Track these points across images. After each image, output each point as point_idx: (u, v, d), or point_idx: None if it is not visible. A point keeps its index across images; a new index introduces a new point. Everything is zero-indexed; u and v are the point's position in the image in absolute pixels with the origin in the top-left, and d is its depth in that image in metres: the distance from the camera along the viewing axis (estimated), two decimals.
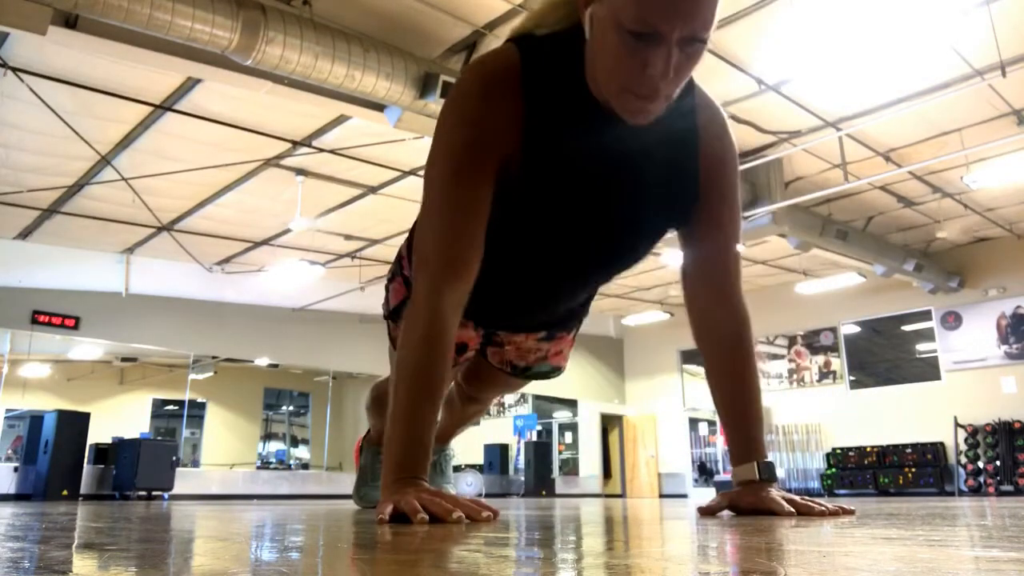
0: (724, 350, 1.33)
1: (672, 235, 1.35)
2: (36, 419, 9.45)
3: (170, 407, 14.28)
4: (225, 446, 14.36)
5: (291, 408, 16.42)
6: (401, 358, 1.14)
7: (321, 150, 6.68)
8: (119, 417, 12.87)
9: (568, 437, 15.06)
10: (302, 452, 15.93)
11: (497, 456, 12.16)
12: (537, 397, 14.10)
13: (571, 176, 1.20)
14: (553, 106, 1.16)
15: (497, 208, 1.19)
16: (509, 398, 14.23)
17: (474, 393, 1.92)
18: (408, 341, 1.15)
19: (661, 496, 13.07)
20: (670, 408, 13.40)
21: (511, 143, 1.16)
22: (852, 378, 11.25)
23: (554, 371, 1.77)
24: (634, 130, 1.13)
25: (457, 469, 12.05)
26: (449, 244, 1.17)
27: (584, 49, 1.13)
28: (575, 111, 1.16)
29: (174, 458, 9.81)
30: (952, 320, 10.26)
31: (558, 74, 1.16)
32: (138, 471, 9.17)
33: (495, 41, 5.23)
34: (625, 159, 1.20)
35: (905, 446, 10.23)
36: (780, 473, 11.49)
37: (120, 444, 9.79)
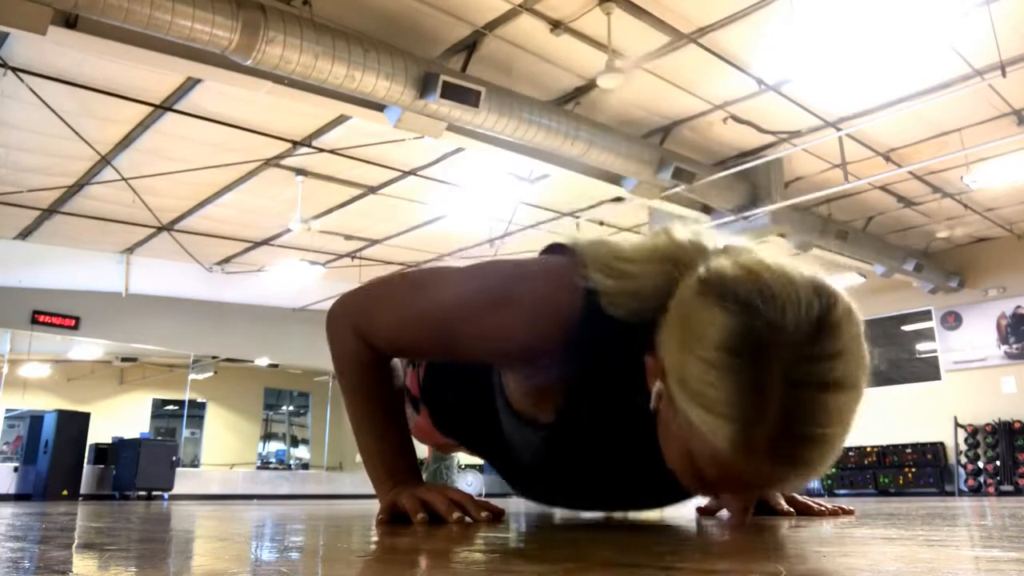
0: None
1: None
2: (36, 419, 9.45)
3: (170, 407, 14.29)
4: (225, 446, 14.36)
5: (291, 408, 16.42)
6: (344, 388, 1.14)
7: (321, 150, 6.67)
8: (119, 417, 12.87)
9: None
10: (302, 452, 15.92)
11: None
12: None
13: (592, 459, 1.09)
14: (594, 397, 1.01)
15: (525, 441, 1.11)
16: None
17: None
18: (344, 375, 1.14)
19: None
20: None
21: (528, 376, 1.06)
22: None
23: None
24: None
25: (457, 469, 12.04)
26: (397, 347, 1.13)
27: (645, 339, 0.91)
28: (614, 409, 1.00)
29: (174, 458, 9.81)
30: (952, 320, 10.26)
31: (608, 372, 0.98)
32: (138, 471, 9.17)
33: (495, 41, 5.23)
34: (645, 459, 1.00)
35: (905, 446, 10.22)
36: None
37: (120, 444, 9.79)
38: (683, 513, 1.43)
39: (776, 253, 0.87)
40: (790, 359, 0.74)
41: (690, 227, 1.00)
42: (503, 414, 1.13)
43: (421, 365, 1.40)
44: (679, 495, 1.16)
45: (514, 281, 1.04)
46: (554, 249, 1.10)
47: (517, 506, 2.12)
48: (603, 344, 0.97)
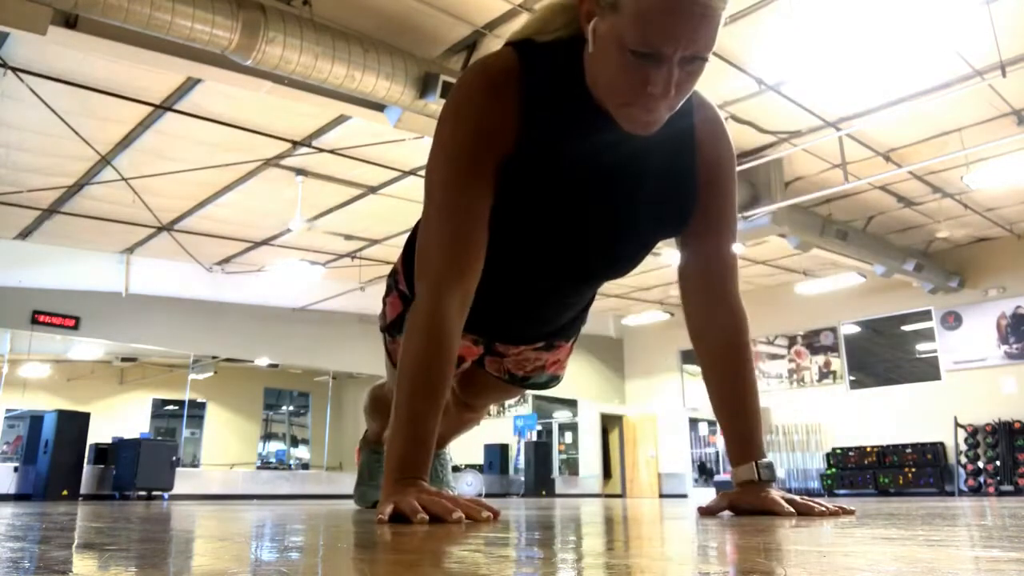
0: (720, 350, 1.33)
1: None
2: (36, 419, 9.44)
3: (170, 407, 14.29)
4: (225, 446, 14.36)
5: (291, 408, 16.42)
6: (405, 361, 1.14)
7: (321, 150, 6.68)
8: (119, 417, 12.87)
9: (568, 437, 15.06)
10: (302, 452, 15.93)
11: (497, 456, 12.16)
12: (537, 397, 14.11)
13: (568, 179, 1.20)
14: (551, 110, 1.16)
15: (495, 212, 1.18)
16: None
17: (470, 400, 1.91)
18: (411, 343, 1.15)
19: (661, 496, 13.07)
20: (670, 408, 13.41)
21: (508, 144, 1.16)
22: (852, 378, 11.25)
23: (552, 380, 1.77)
24: (632, 136, 1.13)
25: (457, 469, 12.05)
26: (451, 246, 1.17)
27: (584, 56, 1.12)
28: (573, 116, 1.16)
29: (174, 458, 9.81)
30: (952, 320, 10.27)
31: (557, 79, 1.16)
32: (138, 471, 9.17)
33: (495, 41, 5.23)
34: (623, 165, 1.20)
35: (905, 446, 10.23)
36: (780, 473, 11.49)
37: (120, 444, 9.79)
38: (683, 513, 1.43)
39: None
40: None
41: None
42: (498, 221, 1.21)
43: (400, 274, 1.52)
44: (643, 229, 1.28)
45: (456, 92, 1.20)
46: None
47: (516, 507, 2.12)
48: (544, 56, 1.16)
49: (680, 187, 1.25)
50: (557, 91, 1.16)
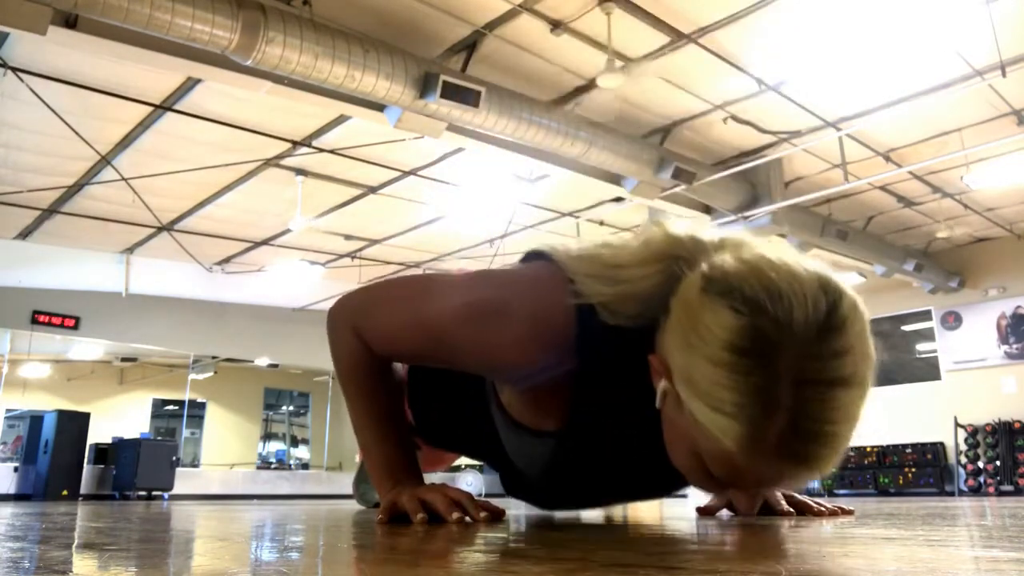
0: None
1: None
2: (36, 419, 9.45)
3: (170, 407, 14.28)
4: (225, 446, 14.36)
5: (291, 408, 16.42)
6: (344, 388, 1.15)
7: (321, 150, 6.67)
8: (119, 417, 12.87)
9: None
10: (302, 452, 15.93)
11: None
12: None
13: (597, 468, 1.11)
14: (598, 410, 1.03)
15: (528, 450, 1.12)
16: None
17: None
18: (344, 375, 1.15)
19: None
20: None
21: (554, 417, 1.06)
22: None
23: None
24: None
25: (457, 469, 12.05)
26: (394, 351, 1.14)
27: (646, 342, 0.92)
28: (619, 418, 1.02)
29: (174, 458, 9.81)
30: (952, 320, 10.26)
31: (610, 381, 1.00)
32: (138, 471, 9.17)
33: (495, 41, 5.23)
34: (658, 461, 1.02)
35: (905, 446, 10.22)
36: None
37: (120, 444, 9.79)
38: (683, 513, 1.43)
39: (776, 247, 0.86)
40: (798, 357, 0.74)
41: (683, 221, 1.00)
42: (501, 425, 1.13)
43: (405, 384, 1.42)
44: (680, 483, 1.16)
45: (507, 297, 1.03)
46: (532, 256, 1.09)
47: (517, 506, 2.12)
48: (605, 352, 0.96)
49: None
50: (610, 388, 1.01)
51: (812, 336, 0.75)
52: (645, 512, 1.91)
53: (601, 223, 8.52)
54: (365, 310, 1.15)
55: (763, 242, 0.90)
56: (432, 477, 1.30)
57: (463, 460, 12.38)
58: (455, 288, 1.09)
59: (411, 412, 1.40)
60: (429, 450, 1.47)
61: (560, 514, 1.45)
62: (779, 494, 1.24)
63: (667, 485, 1.14)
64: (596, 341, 0.96)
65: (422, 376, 1.35)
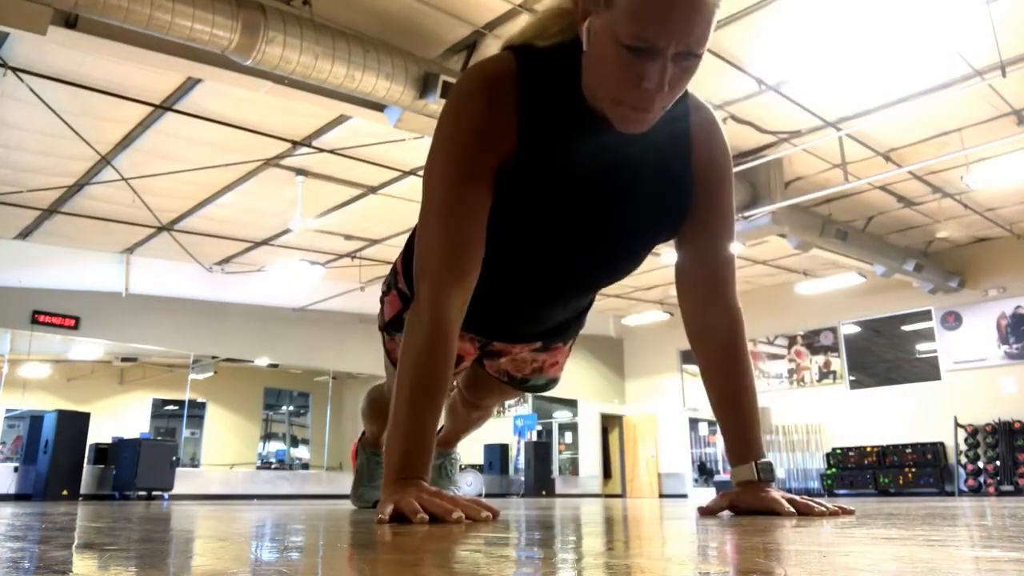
0: (718, 350, 1.33)
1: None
2: (36, 419, 9.44)
3: (170, 407, 14.29)
4: (225, 446, 14.36)
5: (291, 408, 16.42)
6: (405, 360, 1.15)
7: (321, 150, 6.68)
8: (119, 417, 12.88)
9: (568, 437, 15.06)
10: (302, 452, 15.93)
11: (497, 456, 12.16)
12: (537, 397, 14.11)
13: (565, 183, 1.21)
14: (547, 113, 1.17)
15: (493, 215, 1.19)
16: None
17: (475, 400, 1.93)
18: (412, 343, 1.15)
19: (661, 496, 13.07)
20: (670, 408, 13.40)
21: (507, 147, 1.17)
22: (852, 378, 11.25)
23: (550, 383, 1.78)
24: (628, 138, 1.13)
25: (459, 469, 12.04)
26: (450, 246, 1.18)
27: (581, 61, 1.13)
28: (569, 119, 1.17)
29: (174, 458, 9.81)
30: (952, 320, 10.26)
31: (553, 83, 1.17)
32: (138, 471, 9.17)
33: (495, 41, 5.23)
34: (619, 167, 1.21)
35: (905, 446, 10.23)
36: (780, 473, 11.48)
37: (120, 444, 9.79)
38: (683, 513, 1.43)
39: None
40: None
41: None
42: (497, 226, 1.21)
43: (400, 273, 1.51)
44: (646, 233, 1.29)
45: (454, 94, 1.21)
46: None
47: (516, 507, 2.12)
48: (543, 65, 1.17)
49: (675, 189, 1.26)
50: (554, 95, 1.17)
51: None
52: (645, 512, 1.91)
53: None
54: (420, 258, 1.21)
55: None
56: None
57: (463, 460, 12.39)
58: (434, 149, 1.22)
59: (402, 267, 1.49)
60: (461, 414, 1.52)
61: (560, 514, 1.45)
62: (780, 495, 1.24)
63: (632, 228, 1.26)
64: (532, 55, 1.18)
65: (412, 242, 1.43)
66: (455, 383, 1.89)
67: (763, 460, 1.28)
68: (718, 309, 1.33)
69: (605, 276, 1.38)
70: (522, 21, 5.03)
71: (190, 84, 5.59)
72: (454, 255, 1.18)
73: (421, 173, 7.27)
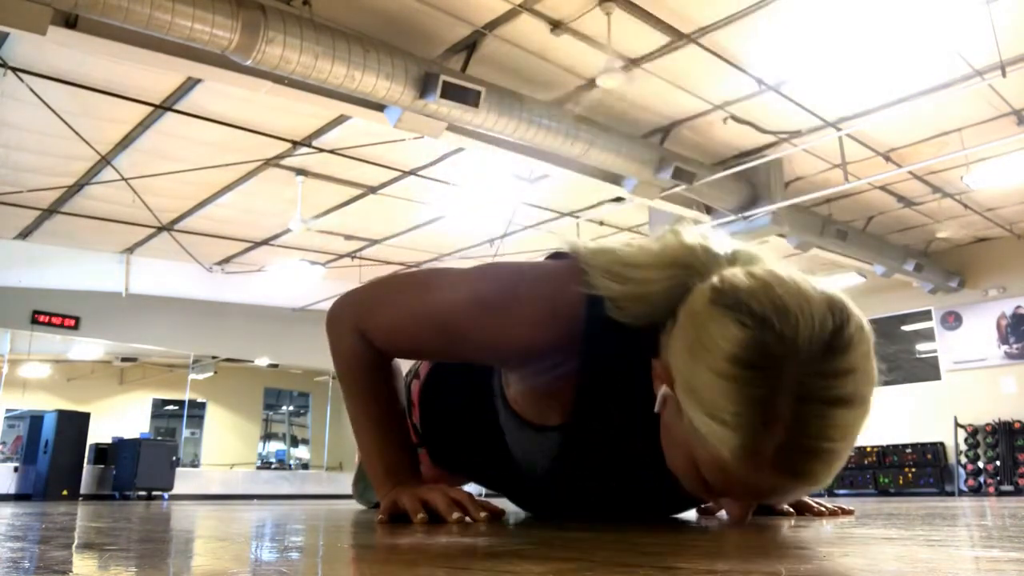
0: None
1: None
2: (36, 419, 9.45)
3: (170, 407, 14.29)
4: (225, 446, 14.36)
5: (291, 408, 16.42)
6: (345, 388, 1.15)
7: (321, 150, 6.67)
8: (119, 417, 12.88)
9: None
10: (302, 452, 15.93)
11: None
12: None
13: (602, 471, 1.10)
14: (598, 407, 1.03)
15: (531, 449, 1.11)
16: None
17: None
18: (344, 374, 1.15)
19: None
20: None
21: (530, 381, 1.07)
22: None
23: None
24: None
25: None
26: (395, 345, 1.13)
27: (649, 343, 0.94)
28: (620, 420, 1.02)
29: (174, 458, 9.81)
30: (952, 320, 10.26)
31: (611, 380, 1.00)
32: (138, 471, 9.17)
33: (495, 41, 5.23)
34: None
35: (905, 446, 10.22)
36: None
37: (120, 444, 9.80)
38: (683, 513, 1.42)
39: (787, 266, 0.88)
40: (801, 374, 0.75)
41: (699, 229, 1.01)
42: (505, 421, 1.13)
43: (416, 406, 1.40)
44: (688, 501, 1.18)
45: (516, 283, 1.04)
46: (555, 256, 1.11)
47: (516, 506, 2.11)
48: (609, 347, 0.97)
49: None
50: (610, 387, 1.01)
51: (816, 354, 0.76)
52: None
53: (601, 223, 8.52)
54: (368, 305, 1.15)
55: (775, 259, 0.92)
56: None
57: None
58: (464, 277, 1.09)
59: (420, 421, 1.40)
60: (428, 469, 1.48)
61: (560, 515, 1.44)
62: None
63: (674, 497, 1.13)
64: (602, 332, 0.96)
65: (432, 387, 1.35)
66: None
67: None
68: None
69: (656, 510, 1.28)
70: (522, 21, 5.01)
71: (190, 84, 5.59)
72: (399, 347, 1.13)
73: (421, 173, 7.23)
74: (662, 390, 0.88)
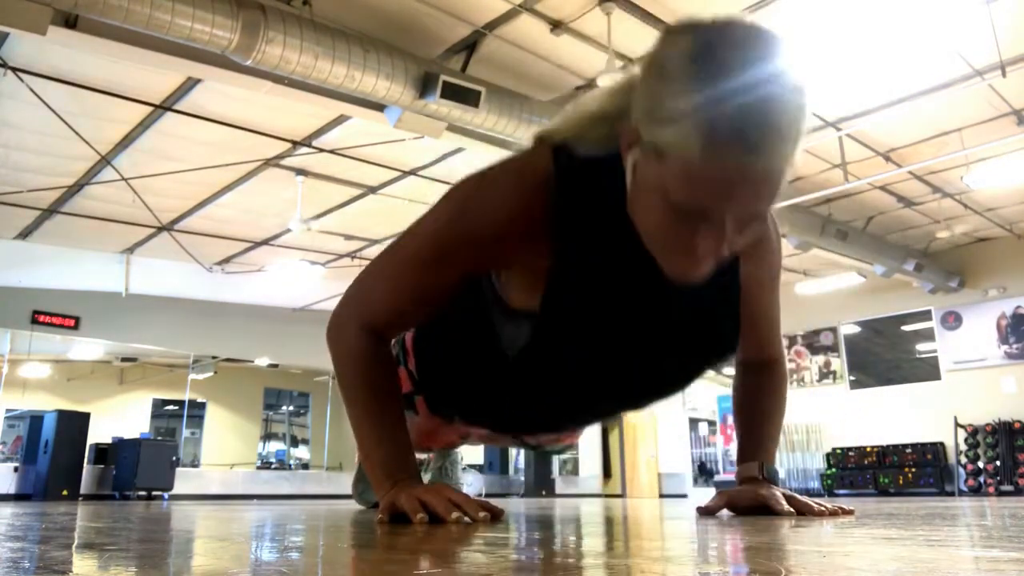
0: (757, 371, 1.36)
1: None
2: (36, 419, 9.45)
3: (170, 407, 14.28)
4: (225, 446, 14.36)
5: (291, 408, 16.42)
6: (345, 389, 1.15)
7: (321, 150, 6.68)
8: (119, 417, 12.87)
9: None
10: (302, 452, 15.93)
11: (497, 456, 12.17)
12: None
13: (603, 312, 1.10)
14: (587, 238, 1.04)
15: (525, 332, 1.10)
16: None
17: (483, 442, 1.94)
18: (345, 375, 1.15)
19: (661, 496, 13.07)
20: (670, 408, 13.39)
21: (526, 259, 1.07)
22: (852, 378, 11.25)
23: (565, 448, 1.79)
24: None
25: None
26: (401, 303, 1.15)
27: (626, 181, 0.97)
28: (611, 245, 1.03)
29: (174, 458, 9.81)
30: (952, 320, 10.26)
31: (596, 203, 1.02)
32: (138, 471, 9.17)
33: (495, 41, 5.23)
34: (664, 297, 1.06)
35: (905, 446, 10.22)
36: (780, 473, 11.44)
37: (120, 444, 9.79)
38: (683, 513, 1.43)
39: None
40: (743, 60, 0.85)
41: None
42: (499, 320, 1.15)
43: (411, 354, 1.43)
44: (673, 377, 1.21)
45: (482, 173, 1.09)
46: None
47: (516, 506, 2.12)
48: (586, 182, 1.02)
49: (723, 315, 1.16)
50: (596, 218, 1.03)
51: (754, 47, 0.87)
52: (645, 512, 1.91)
53: None
54: (361, 292, 1.18)
55: None
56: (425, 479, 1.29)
57: (464, 460, 12.39)
58: (431, 208, 1.14)
59: (416, 368, 1.43)
60: (426, 420, 1.49)
61: (560, 514, 1.45)
62: (780, 494, 1.24)
63: (666, 368, 1.18)
64: (576, 167, 1.03)
65: (425, 330, 1.38)
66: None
67: (770, 463, 1.30)
68: (763, 379, 1.37)
69: (647, 400, 1.29)
70: (522, 21, 5.03)
71: (190, 84, 5.59)
72: (402, 311, 1.16)
73: (421, 173, 7.24)
74: (630, 155, 0.93)
